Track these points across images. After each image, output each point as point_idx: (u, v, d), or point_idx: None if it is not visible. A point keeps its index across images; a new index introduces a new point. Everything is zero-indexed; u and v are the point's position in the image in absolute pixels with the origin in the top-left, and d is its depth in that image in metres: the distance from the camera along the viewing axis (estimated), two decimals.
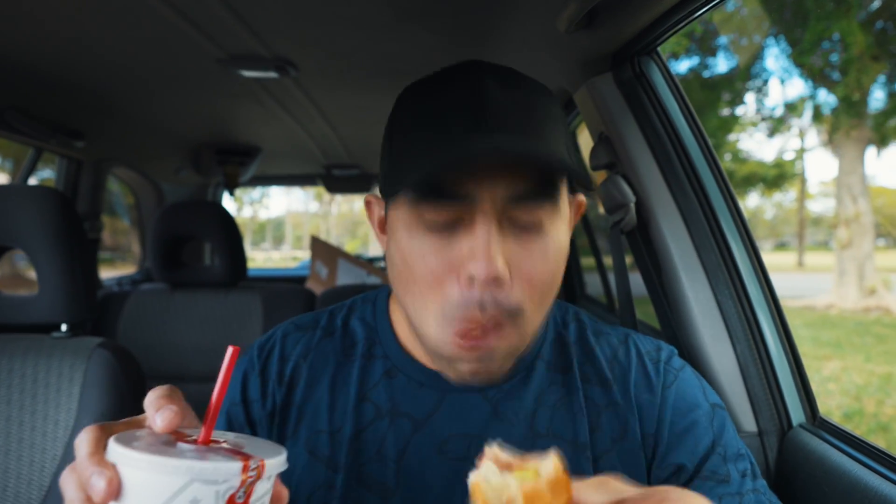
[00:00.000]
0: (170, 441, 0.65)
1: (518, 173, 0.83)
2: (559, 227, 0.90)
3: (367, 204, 1.05)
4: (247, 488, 0.64)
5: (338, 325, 1.12)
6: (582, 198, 1.03)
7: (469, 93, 0.87)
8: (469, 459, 0.91)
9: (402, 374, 1.03)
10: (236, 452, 0.65)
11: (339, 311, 1.15)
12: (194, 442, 0.67)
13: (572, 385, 1.02)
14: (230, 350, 0.71)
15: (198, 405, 2.27)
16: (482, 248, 0.81)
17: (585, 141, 2.04)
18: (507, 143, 0.81)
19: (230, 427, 1.05)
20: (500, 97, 0.86)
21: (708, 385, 1.07)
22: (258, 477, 0.65)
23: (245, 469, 0.63)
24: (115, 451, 0.61)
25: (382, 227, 1.01)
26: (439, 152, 0.82)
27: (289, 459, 0.89)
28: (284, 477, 0.92)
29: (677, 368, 1.05)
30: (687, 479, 0.96)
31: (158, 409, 0.66)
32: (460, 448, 0.98)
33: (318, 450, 1.00)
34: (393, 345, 1.05)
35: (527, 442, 0.97)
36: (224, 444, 0.68)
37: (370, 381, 1.03)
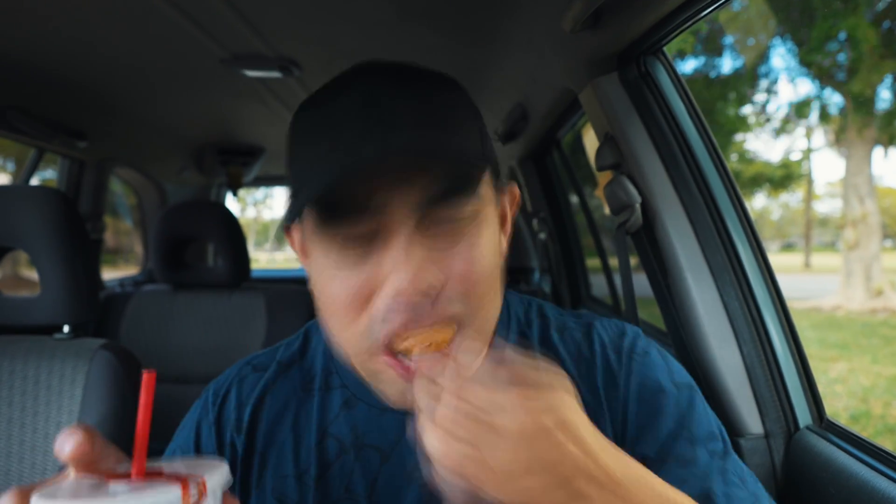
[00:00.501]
0: (99, 484, 0.62)
1: (429, 173, 0.78)
2: (486, 220, 0.85)
3: (287, 231, 0.97)
4: None
5: (294, 358, 1.06)
6: (515, 189, 0.98)
7: (360, 96, 0.82)
8: None
9: (361, 403, 0.97)
10: (174, 477, 0.62)
11: (294, 341, 1.09)
12: (127, 476, 0.63)
13: None
14: (145, 376, 0.68)
15: None
16: (403, 259, 0.76)
17: (591, 141, 2.04)
18: (401, 143, 0.77)
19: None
20: (394, 96, 0.82)
21: (676, 364, 1.01)
22: (200, 496, 0.62)
23: (185, 492, 0.60)
24: None
25: (305, 251, 0.92)
26: (332, 164, 0.77)
27: None
28: None
29: (641, 353, 0.99)
30: (652, 466, 0.82)
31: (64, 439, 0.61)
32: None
33: (286, 496, 0.95)
34: (348, 372, 0.97)
35: None
36: (161, 471, 0.64)
37: (330, 415, 0.98)
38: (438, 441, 0.64)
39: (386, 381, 0.85)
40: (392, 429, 0.94)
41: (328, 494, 0.93)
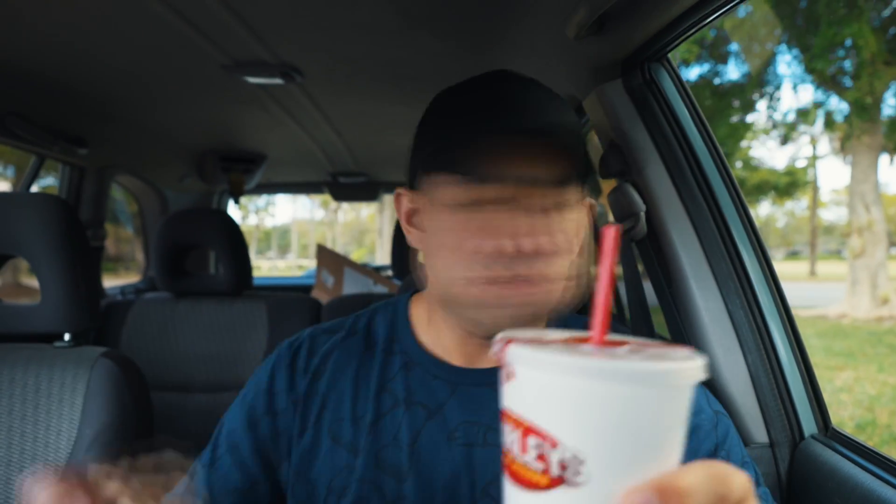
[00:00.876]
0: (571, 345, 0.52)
1: (558, 158, 0.93)
2: (580, 211, 0.99)
3: (397, 196, 1.11)
4: None
5: (361, 327, 1.19)
6: (592, 201, 1.08)
7: (493, 92, 1.00)
8: (476, 445, 1.02)
9: (418, 367, 1.10)
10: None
11: (362, 316, 1.22)
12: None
13: None
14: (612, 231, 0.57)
15: (203, 415, 2.29)
16: (527, 223, 0.90)
17: (594, 148, 2.05)
18: (548, 127, 0.92)
19: (251, 414, 1.12)
20: (524, 94, 0.98)
21: (711, 394, 1.10)
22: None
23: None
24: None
25: (410, 219, 1.09)
26: (488, 133, 0.92)
27: (309, 443, 1.08)
28: (307, 461, 1.06)
29: None
30: None
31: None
32: (468, 435, 1.03)
33: (340, 435, 1.07)
34: (411, 341, 1.12)
35: None
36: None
37: (389, 374, 1.10)
38: None
39: (480, 300, 0.95)
40: (440, 391, 1.07)
41: (378, 439, 1.05)
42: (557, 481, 0.47)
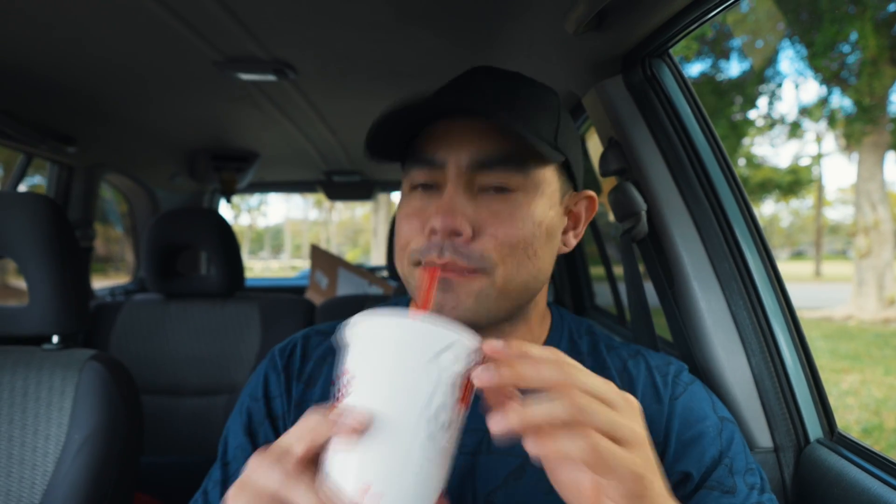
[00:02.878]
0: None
1: (485, 142, 0.95)
2: (535, 199, 0.98)
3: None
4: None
5: None
6: (589, 193, 1.11)
7: (458, 82, 1.05)
8: (480, 453, 1.02)
9: None
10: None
11: None
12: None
13: None
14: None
15: (195, 419, 2.30)
16: (444, 205, 0.93)
17: (595, 146, 2.05)
18: (467, 105, 0.92)
19: (250, 421, 1.12)
20: (484, 81, 1.02)
21: (718, 400, 1.11)
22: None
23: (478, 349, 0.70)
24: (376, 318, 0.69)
25: None
26: (419, 110, 0.93)
27: None
28: None
29: (687, 382, 1.11)
30: (693, 487, 1.00)
31: None
32: (472, 443, 1.02)
33: None
34: None
35: None
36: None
37: None
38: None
39: (419, 283, 0.97)
40: None
41: None
42: (339, 399, 0.67)
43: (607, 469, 0.64)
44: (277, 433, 1.11)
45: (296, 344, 1.19)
